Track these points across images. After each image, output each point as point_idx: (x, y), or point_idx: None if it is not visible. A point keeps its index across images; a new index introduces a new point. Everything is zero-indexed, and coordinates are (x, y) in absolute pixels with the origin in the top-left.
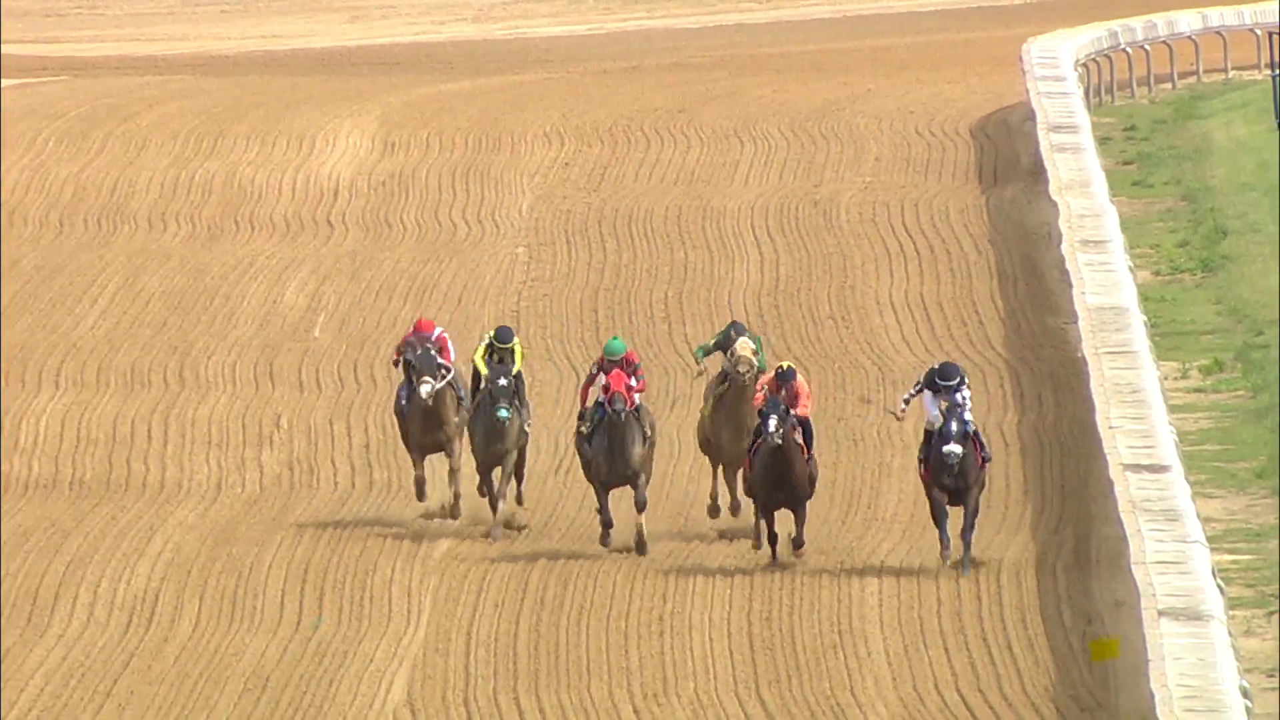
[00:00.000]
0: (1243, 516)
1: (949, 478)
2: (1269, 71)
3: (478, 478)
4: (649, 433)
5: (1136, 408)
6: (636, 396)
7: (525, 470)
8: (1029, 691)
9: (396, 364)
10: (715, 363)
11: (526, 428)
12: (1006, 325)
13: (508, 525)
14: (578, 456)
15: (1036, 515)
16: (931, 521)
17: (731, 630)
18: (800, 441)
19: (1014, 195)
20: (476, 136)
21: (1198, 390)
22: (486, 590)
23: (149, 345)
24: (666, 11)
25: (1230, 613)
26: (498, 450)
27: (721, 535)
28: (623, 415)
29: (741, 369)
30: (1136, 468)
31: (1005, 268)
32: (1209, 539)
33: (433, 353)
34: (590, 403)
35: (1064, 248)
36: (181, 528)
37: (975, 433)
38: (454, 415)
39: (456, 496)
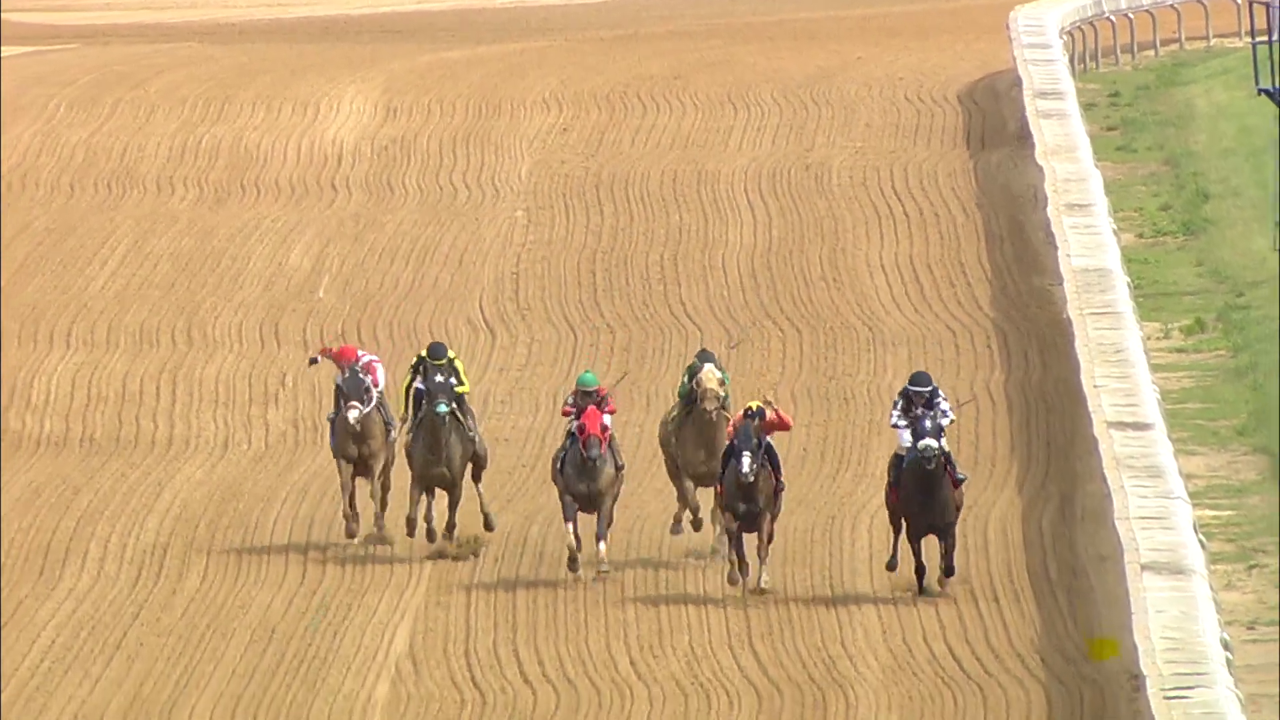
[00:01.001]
0: (1224, 473)
1: (920, 494)
2: (1249, 39)
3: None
4: (620, 461)
5: (1120, 367)
6: (608, 419)
7: (481, 481)
8: (1015, 643)
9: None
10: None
11: (477, 439)
12: (993, 286)
13: (458, 546)
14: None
15: (1023, 471)
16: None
17: (724, 585)
18: (770, 469)
19: (1001, 160)
20: (477, 103)
21: (1179, 350)
22: (487, 546)
23: (157, 306)
24: None
25: (1211, 567)
26: (436, 470)
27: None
28: (596, 462)
29: (709, 405)
30: (1120, 425)
31: (992, 230)
32: (1191, 495)
33: (361, 377)
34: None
35: (1049, 211)
36: (189, 484)
37: (948, 455)
38: (382, 442)
39: (379, 518)
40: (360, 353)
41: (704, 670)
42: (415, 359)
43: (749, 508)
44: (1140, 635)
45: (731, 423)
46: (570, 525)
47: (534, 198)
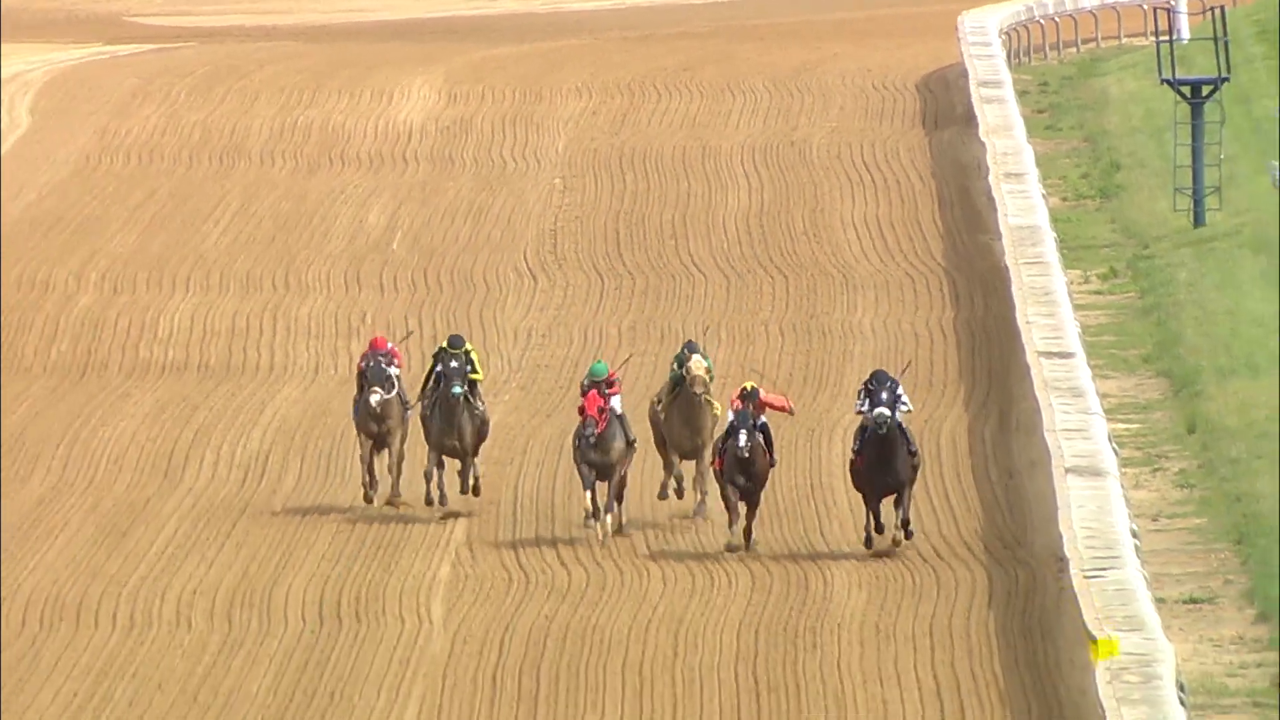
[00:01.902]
0: (1133, 393)
1: (879, 463)
2: (1154, 38)
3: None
4: (631, 435)
5: (1048, 306)
6: (616, 400)
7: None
8: (962, 533)
9: (361, 375)
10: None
11: (483, 415)
12: (945, 241)
13: (456, 508)
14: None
15: (968, 393)
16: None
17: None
18: (763, 445)
19: (950, 137)
20: (522, 90)
21: (1097, 293)
22: (529, 451)
23: (260, 256)
24: None
25: (1123, 470)
26: (451, 441)
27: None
28: (593, 438)
29: (697, 389)
30: (1048, 354)
31: (944, 195)
32: (1106, 411)
33: (384, 365)
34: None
35: (990, 179)
36: (287, 402)
37: (904, 428)
38: (399, 420)
39: (395, 487)
40: (389, 344)
41: (707, 557)
42: (437, 348)
43: (747, 481)
44: (1064, 526)
45: (731, 403)
46: (588, 493)
47: (568, 168)
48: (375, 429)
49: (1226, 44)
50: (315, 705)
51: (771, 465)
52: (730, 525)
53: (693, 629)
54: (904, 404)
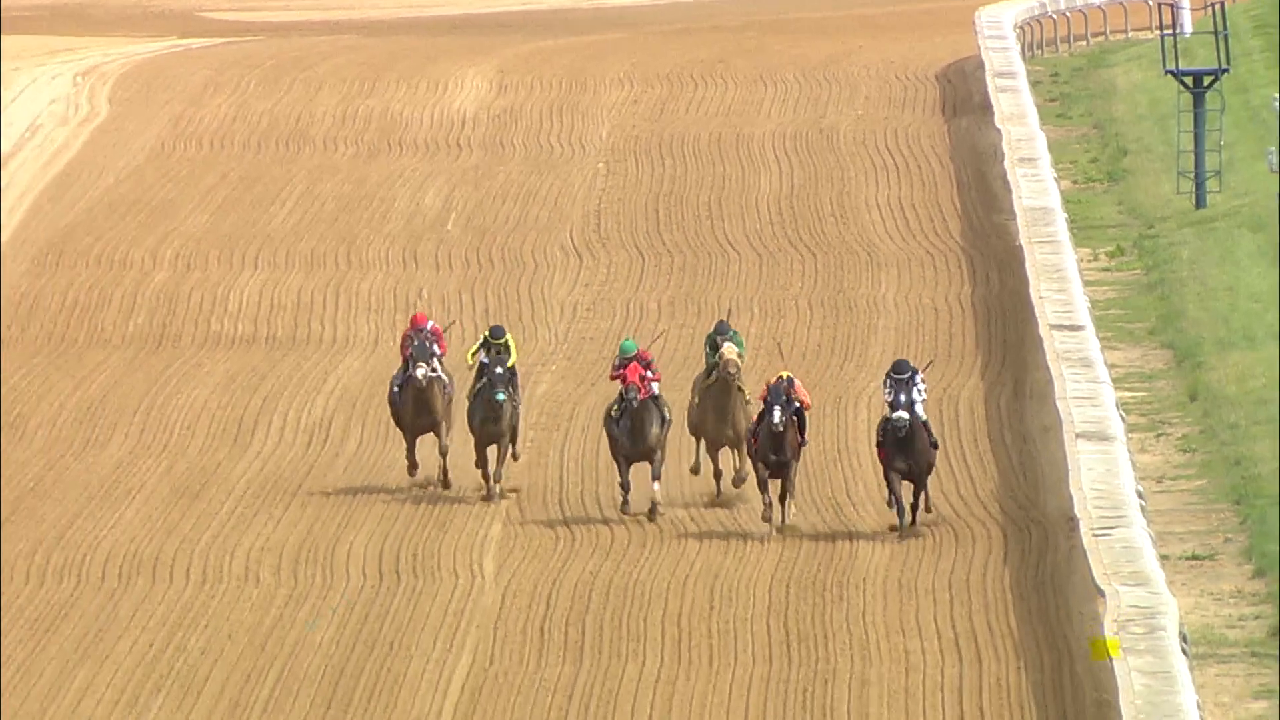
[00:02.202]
0: (1139, 364)
1: (900, 455)
2: (1159, 31)
3: (475, 454)
4: (667, 415)
5: (1059, 283)
6: (655, 386)
7: (519, 440)
8: (979, 494)
9: (406, 355)
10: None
11: (519, 409)
12: (962, 221)
13: (504, 494)
14: (605, 435)
15: (985, 363)
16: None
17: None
18: (795, 425)
19: (968, 124)
20: (568, 80)
21: (1105, 270)
22: (575, 418)
23: (324, 235)
24: None
25: (1129, 435)
26: (493, 431)
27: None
28: (635, 402)
29: (731, 370)
30: (1059, 327)
31: (962, 178)
32: (1113, 380)
33: (428, 344)
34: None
35: (1005, 163)
36: (349, 372)
37: (925, 421)
38: (440, 402)
39: (444, 470)
40: (429, 322)
41: (741, 517)
42: (480, 338)
43: (778, 457)
44: (1074, 488)
45: (765, 386)
46: (621, 490)
47: (611, 153)
48: (419, 422)
49: (1226, 37)
50: (375, 654)
51: (802, 445)
52: (763, 509)
53: (728, 583)
54: (922, 391)
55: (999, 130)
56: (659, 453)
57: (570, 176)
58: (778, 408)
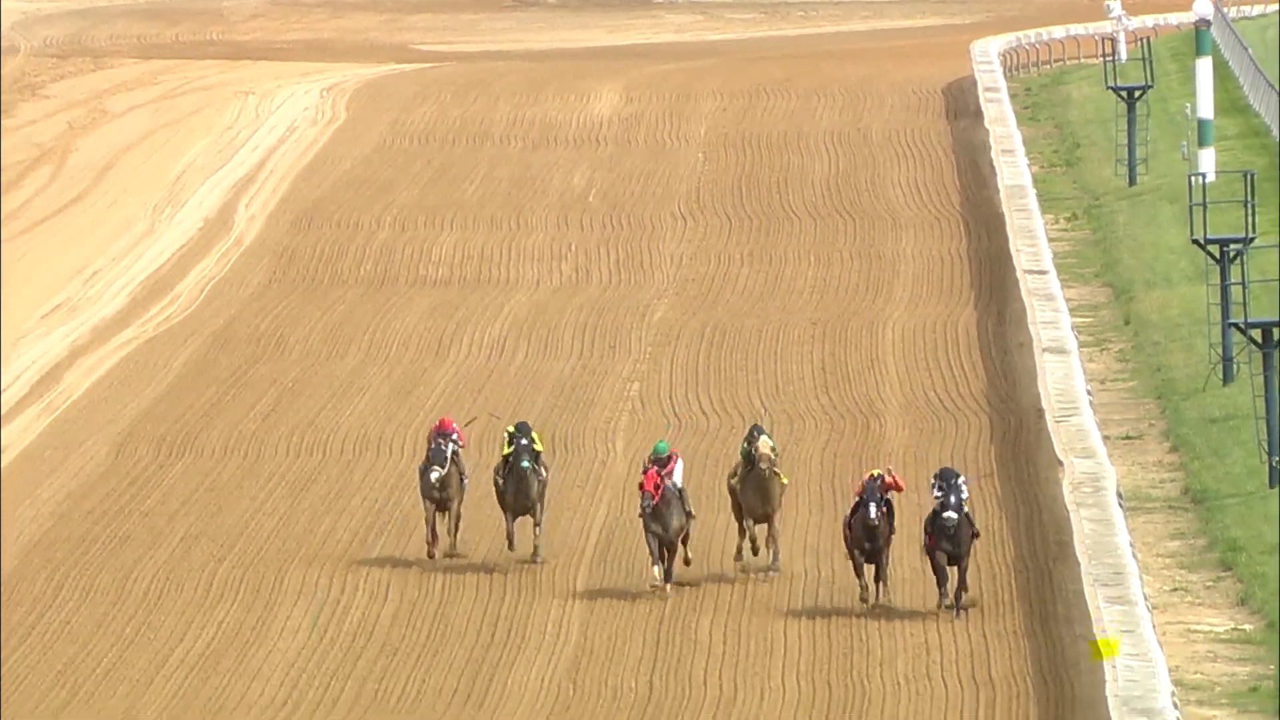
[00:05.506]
0: (1088, 298)
1: (948, 542)
2: (1102, 58)
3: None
4: (689, 509)
5: (1031, 239)
6: (679, 479)
7: (544, 517)
8: (973, 393)
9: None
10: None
11: (544, 481)
12: (961, 195)
13: (534, 557)
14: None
15: (976, 297)
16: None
17: (811, 366)
18: (886, 518)
19: (965, 125)
20: (677, 93)
21: (1064, 230)
22: (681, 337)
23: (500, 206)
24: (777, 27)
25: (1081, 349)
26: (524, 502)
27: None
28: (649, 509)
29: (763, 465)
30: (1031, 272)
31: (961, 165)
32: (1070, 310)
33: (443, 447)
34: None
35: (992, 154)
36: (519, 305)
37: (968, 514)
38: (457, 489)
39: (453, 541)
40: (454, 425)
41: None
42: (506, 433)
43: (872, 546)
44: (1041, 387)
45: (862, 482)
46: (655, 565)
47: (707, 147)
48: (437, 496)
49: (1151, 63)
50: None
51: (891, 533)
52: (860, 588)
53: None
54: (964, 492)
55: (987, 129)
56: (678, 541)
57: (677, 163)
58: (873, 504)
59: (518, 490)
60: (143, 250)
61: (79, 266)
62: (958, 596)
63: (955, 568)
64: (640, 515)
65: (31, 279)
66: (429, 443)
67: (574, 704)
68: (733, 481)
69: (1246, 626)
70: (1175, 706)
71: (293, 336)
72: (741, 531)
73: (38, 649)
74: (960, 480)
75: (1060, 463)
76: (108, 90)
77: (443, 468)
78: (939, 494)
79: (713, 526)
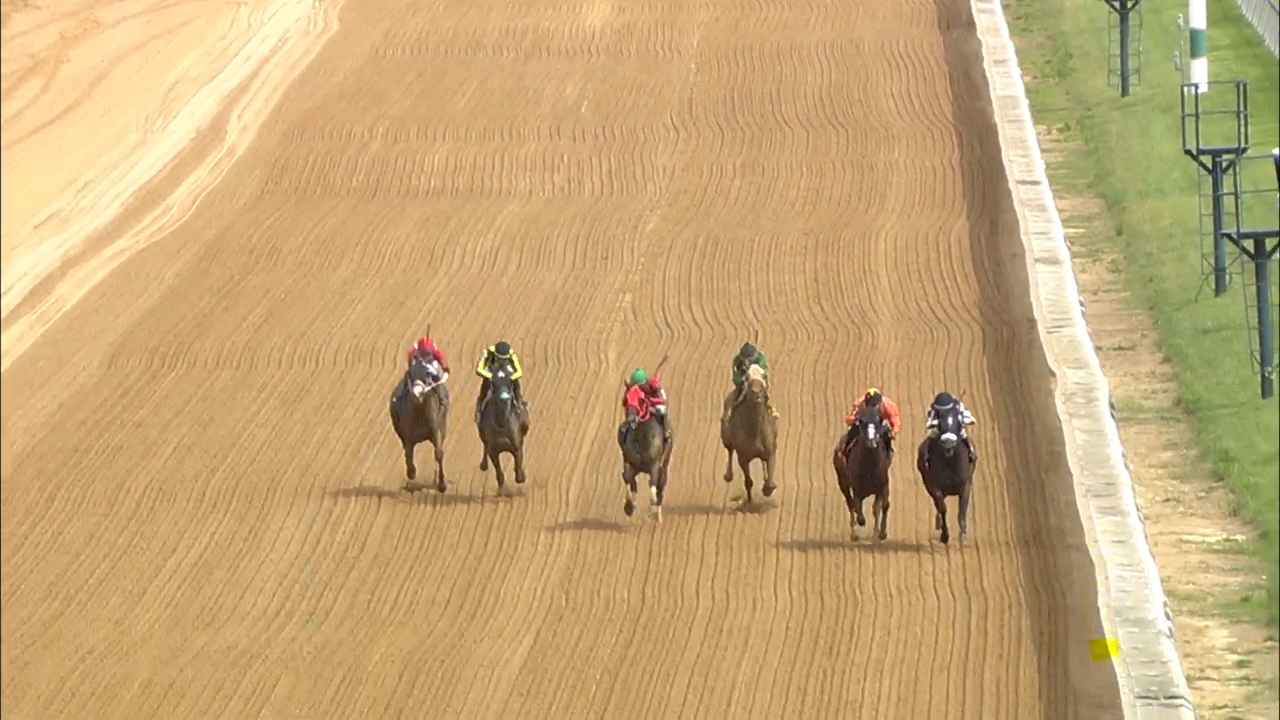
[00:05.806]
0: (1080, 209)
1: (946, 468)
2: None
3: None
4: (668, 435)
5: (1023, 149)
6: (663, 408)
7: (523, 458)
8: (966, 303)
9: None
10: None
11: (525, 417)
12: (953, 106)
13: (519, 492)
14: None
15: (969, 208)
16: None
17: (803, 277)
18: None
19: (957, 36)
20: (668, 4)
21: (1056, 141)
22: (674, 248)
23: (493, 116)
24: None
25: (1073, 260)
26: (503, 440)
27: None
28: (634, 425)
29: (755, 390)
30: (1023, 182)
31: (953, 75)
32: (1063, 220)
33: (425, 364)
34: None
35: (985, 64)
36: (510, 215)
37: (966, 440)
38: (436, 414)
39: (440, 474)
40: (434, 345)
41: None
42: (485, 353)
43: (871, 472)
44: (1034, 298)
45: (855, 405)
46: (628, 487)
47: (699, 57)
48: (416, 431)
49: None
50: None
51: (889, 463)
52: (853, 521)
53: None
54: (966, 419)
55: (979, 40)
56: (657, 463)
57: (670, 74)
58: (871, 426)
59: (497, 426)
60: (135, 161)
61: (71, 177)
62: (960, 531)
63: (956, 497)
64: (619, 434)
65: (24, 189)
66: (409, 361)
67: (566, 614)
68: (724, 419)
69: (1238, 537)
70: (1167, 617)
71: (285, 247)
72: (732, 460)
73: (31, 559)
74: (960, 405)
75: (1052, 373)
76: (99, 1)
77: (425, 384)
78: (934, 421)
79: (704, 438)
